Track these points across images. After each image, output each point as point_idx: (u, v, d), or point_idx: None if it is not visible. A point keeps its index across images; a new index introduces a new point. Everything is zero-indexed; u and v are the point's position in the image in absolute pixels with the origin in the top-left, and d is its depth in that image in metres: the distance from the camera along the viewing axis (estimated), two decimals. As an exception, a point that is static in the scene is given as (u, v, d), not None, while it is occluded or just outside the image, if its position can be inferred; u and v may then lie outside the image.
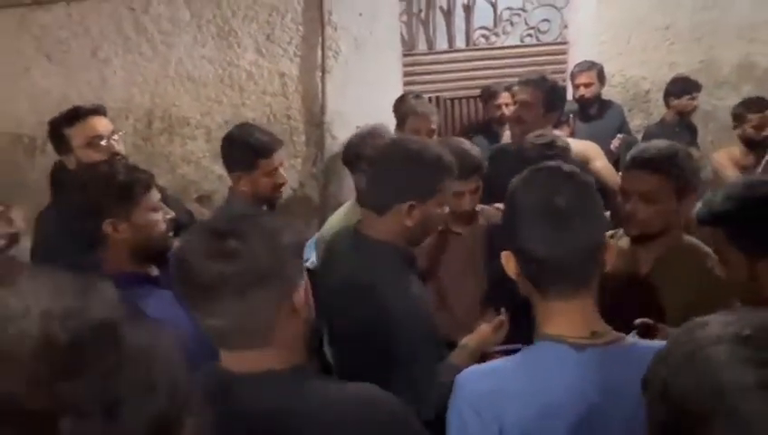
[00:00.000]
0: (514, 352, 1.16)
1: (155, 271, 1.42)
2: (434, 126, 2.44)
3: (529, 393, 0.89)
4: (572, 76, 3.24)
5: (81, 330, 0.36)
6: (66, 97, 2.98)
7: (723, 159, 2.95)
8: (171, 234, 1.45)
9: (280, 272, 0.84)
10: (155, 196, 1.41)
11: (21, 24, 2.91)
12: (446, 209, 1.35)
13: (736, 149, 2.94)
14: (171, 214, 1.45)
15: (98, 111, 1.90)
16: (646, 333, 1.25)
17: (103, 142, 1.83)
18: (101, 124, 1.88)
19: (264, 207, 1.94)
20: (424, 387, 1.20)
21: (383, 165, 1.32)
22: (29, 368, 0.34)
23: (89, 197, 1.37)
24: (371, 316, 1.22)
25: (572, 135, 2.82)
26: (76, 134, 1.84)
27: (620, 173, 1.53)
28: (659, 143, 1.46)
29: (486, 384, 0.92)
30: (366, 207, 1.34)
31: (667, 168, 1.37)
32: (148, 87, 3.07)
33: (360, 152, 1.94)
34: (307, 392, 0.85)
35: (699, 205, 1.21)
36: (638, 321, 1.25)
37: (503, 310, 1.41)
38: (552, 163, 0.99)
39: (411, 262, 1.34)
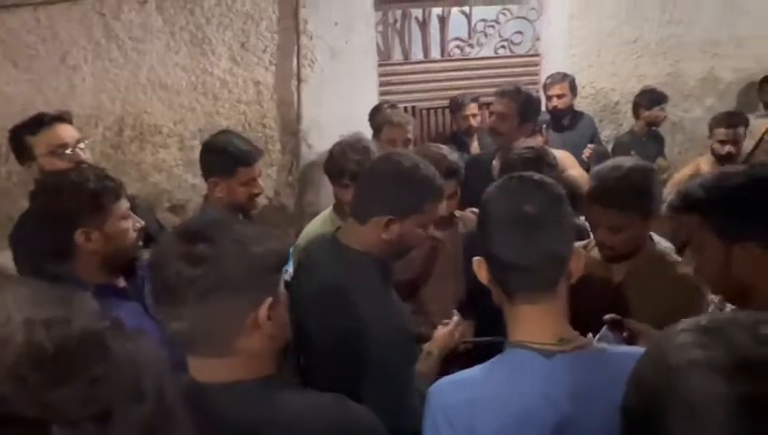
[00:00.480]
0: (486, 344, 1.16)
1: (122, 282, 1.39)
2: (410, 135, 2.45)
3: (500, 402, 0.90)
4: (545, 87, 3.30)
5: (67, 338, 0.36)
6: (32, 104, 2.88)
7: (683, 176, 2.95)
8: (141, 243, 1.42)
9: (245, 283, 0.82)
10: (124, 204, 1.39)
11: (-15, 28, 2.82)
12: (431, 230, 1.34)
13: (705, 162, 3.00)
14: (141, 223, 1.42)
15: (63, 118, 1.84)
16: (615, 327, 1.28)
17: (68, 151, 1.77)
18: (67, 132, 1.81)
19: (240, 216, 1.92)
20: (407, 398, 1.20)
21: (372, 176, 1.32)
22: (15, 374, 0.34)
23: (60, 205, 1.32)
24: (346, 326, 1.21)
25: (546, 145, 2.86)
26: (39, 142, 1.78)
27: (585, 201, 1.49)
28: (616, 172, 1.41)
29: (458, 395, 0.93)
30: (351, 214, 1.34)
31: (628, 201, 1.37)
32: (118, 94, 3.01)
33: (344, 166, 1.93)
34: (275, 403, 0.84)
35: (671, 198, 1.22)
36: (607, 317, 1.28)
37: (455, 311, 1.45)
38: (525, 172, 1.02)
39: (387, 273, 1.34)
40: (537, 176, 1.00)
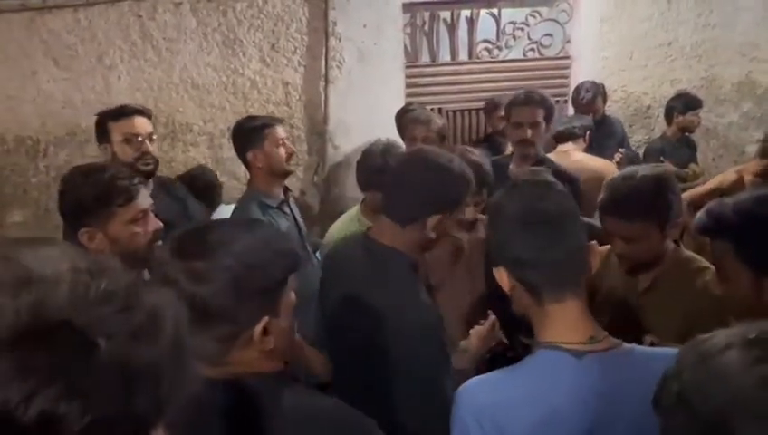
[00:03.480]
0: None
1: (146, 275, 1.35)
2: (432, 134, 2.44)
3: (530, 403, 0.89)
4: (588, 101, 3.20)
5: (105, 282, 0.43)
6: (70, 101, 3.00)
7: (724, 180, 2.60)
8: (159, 243, 1.38)
9: (239, 308, 0.79)
10: (139, 205, 1.35)
11: (29, 28, 2.93)
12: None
13: (750, 171, 2.70)
14: (158, 225, 1.39)
15: (143, 112, 2.06)
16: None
17: (139, 140, 1.98)
18: (141, 124, 2.03)
19: (281, 190, 2.12)
20: (437, 394, 1.19)
21: (411, 178, 1.30)
22: (69, 295, 0.41)
23: (68, 204, 1.34)
24: (378, 321, 1.22)
25: (587, 151, 2.81)
26: (117, 129, 2.00)
27: (598, 212, 1.44)
28: (628, 182, 1.35)
29: (488, 395, 0.93)
30: (389, 217, 1.31)
31: (640, 211, 1.33)
32: (152, 93, 3.09)
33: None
34: (271, 398, 0.81)
35: (700, 215, 1.16)
36: (647, 340, 1.27)
37: (489, 312, 1.45)
38: (527, 176, 1.04)
39: (416, 269, 1.35)
40: (542, 177, 1.02)
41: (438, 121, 2.57)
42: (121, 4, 2.97)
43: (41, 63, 2.98)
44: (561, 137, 2.69)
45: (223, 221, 0.99)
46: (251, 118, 2.22)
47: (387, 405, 1.20)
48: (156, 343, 0.43)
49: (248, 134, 2.10)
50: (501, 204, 0.98)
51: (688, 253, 1.48)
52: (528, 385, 0.91)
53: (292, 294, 0.88)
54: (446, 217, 1.28)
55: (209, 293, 0.78)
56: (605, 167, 2.35)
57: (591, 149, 3.15)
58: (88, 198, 1.32)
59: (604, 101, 3.27)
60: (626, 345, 0.94)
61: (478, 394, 0.94)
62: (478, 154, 1.86)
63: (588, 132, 2.88)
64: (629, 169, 1.45)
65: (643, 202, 1.33)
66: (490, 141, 3.28)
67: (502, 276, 0.97)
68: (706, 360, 0.57)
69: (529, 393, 0.90)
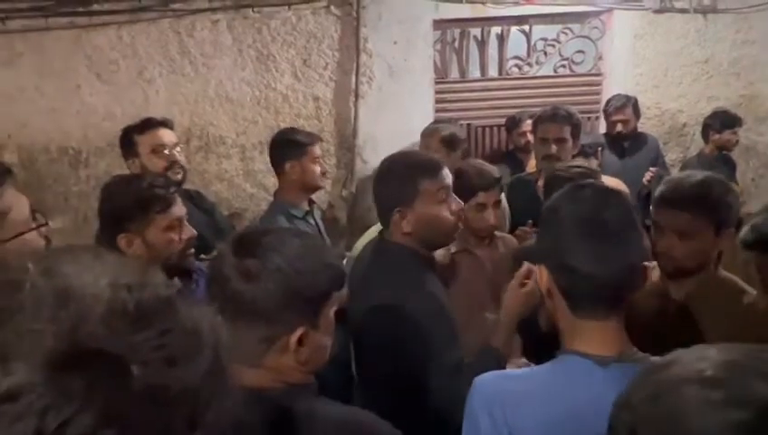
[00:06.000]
0: None
1: (177, 284, 1.42)
2: (436, 143, 2.47)
3: (546, 400, 0.87)
4: (609, 112, 3.18)
5: (144, 299, 0.43)
6: (111, 114, 3.12)
7: None
8: (192, 251, 1.46)
9: (279, 312, 0.82)
10: (175, 213, 1.42)
11: (76, 44, 3.08)
12: (453, 206, 1.37)
13: None
14: (192, 233, 1.45)
15: (166, 123, 2.11)
16: None
17: (166, 151, 2.03)
18: (167, 135, 2.08)
19: (306, 202, 2.21)
20: (455, 382, 1.19)
21: (374, 184, 1.42)
22: (104, 320, 0.40)
23: (109, 209, 1.40)
24: (387, 312, 1.25)
25: (600, 168, 2.77)
26: (144, 141, 2.04)
27: (652, 208, 1.46)
28: (692, 177, 1.39)
29: (502, 386, 0.91)
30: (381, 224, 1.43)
31: (701, 205, 1.31)
32: (188, 106, 3.19)
33: None
34: (299, 413, 0.82)
35: (745, 230, 1.15)
36: None
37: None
38: (594, 181, 1.00)
39: (430, 263, 1.39)
40: (607, 185, 0.97)
41: (445, 131, 2.56)
42: (162, 21, 3.09)
43: (84, 78, 3.11)
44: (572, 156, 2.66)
45: (279, 228, 1.03)
46: (294, 130, 2.29)
47: (411, 400, 1.20)
48: (193, 367, 0.42)
49: (290, 145, 2.17)
50: (559, 205, 0.93)
51: (726, 274, 1.43)
52: (546, 385, 0.88)
53: (330, 318, 0.89)
54: (408, 208, 1.31)
55: (257, 292, 0.81)
56: (617, 187, 2.30)
57: (624, 162, 3.10)
58: (128, 204, 1.38)
59: (637, 116, 3.21)
60: (653, 359, 0.91)
61: (493, 384, 0.92)
62: (480, 162, 1.93)
63: (599, 150, 2.84)
64: (690, 171, 1.46)
65: (708, 198, 1.32)
66: (511, 157, 3.26)
67: (542, 276, 0.94)
68: (661, 396, 0.53)
69: (546, 390, 0.87)
